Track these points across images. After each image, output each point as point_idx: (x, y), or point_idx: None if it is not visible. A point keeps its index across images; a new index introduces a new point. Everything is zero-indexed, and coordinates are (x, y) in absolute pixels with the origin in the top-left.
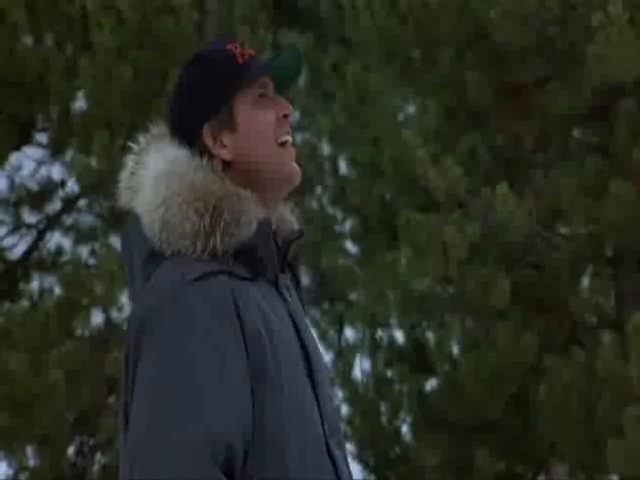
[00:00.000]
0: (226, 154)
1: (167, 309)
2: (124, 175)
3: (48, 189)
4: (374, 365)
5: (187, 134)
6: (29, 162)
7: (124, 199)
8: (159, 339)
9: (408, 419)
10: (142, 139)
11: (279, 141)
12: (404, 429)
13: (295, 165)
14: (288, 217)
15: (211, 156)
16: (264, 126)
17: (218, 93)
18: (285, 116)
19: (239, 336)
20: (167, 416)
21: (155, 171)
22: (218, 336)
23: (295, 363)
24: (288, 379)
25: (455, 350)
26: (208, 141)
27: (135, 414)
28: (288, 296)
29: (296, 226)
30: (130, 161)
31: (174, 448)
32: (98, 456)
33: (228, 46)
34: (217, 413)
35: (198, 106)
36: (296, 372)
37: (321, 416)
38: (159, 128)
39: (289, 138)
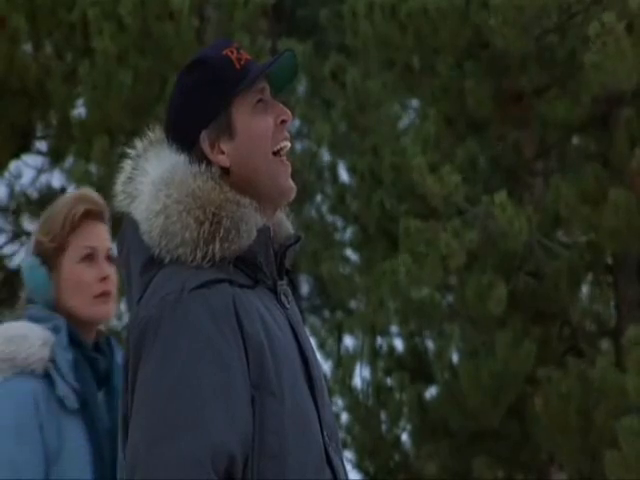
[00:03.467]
0: (224, 160)
1: (168, 317)
2: (121, 179)
3: (48, 197)
4: (374, 373)
5: (184, 140)
6: (29, 170)
7: (121, 204)
8: (160, 347)
9: (408, 427)
10: (140, 144)
11: (274, 149)
12: (404, 437)
13: (289, 181)
14: (284, 222)
15: (209, 162)
16: (262, 132)
17: (216, 99)
18: (283, 122)
19: (240, 345)
20: (168, 424)
21: (154, 177)
22: (220, 345)
23: (295, 371)
24: (289, 388)
25: (455, 358)
26: (206, 147)
27: (135, 421)
28: (287, 303)
29: (292, 231)
30: (127, 165)
31: (175, 457)
32: None
33: (225, 51)
34: (219, 422)
35: (196, 112)
36: (296, 380)
37: (320, 424)
38: (157, 133)
39: (287, 144)
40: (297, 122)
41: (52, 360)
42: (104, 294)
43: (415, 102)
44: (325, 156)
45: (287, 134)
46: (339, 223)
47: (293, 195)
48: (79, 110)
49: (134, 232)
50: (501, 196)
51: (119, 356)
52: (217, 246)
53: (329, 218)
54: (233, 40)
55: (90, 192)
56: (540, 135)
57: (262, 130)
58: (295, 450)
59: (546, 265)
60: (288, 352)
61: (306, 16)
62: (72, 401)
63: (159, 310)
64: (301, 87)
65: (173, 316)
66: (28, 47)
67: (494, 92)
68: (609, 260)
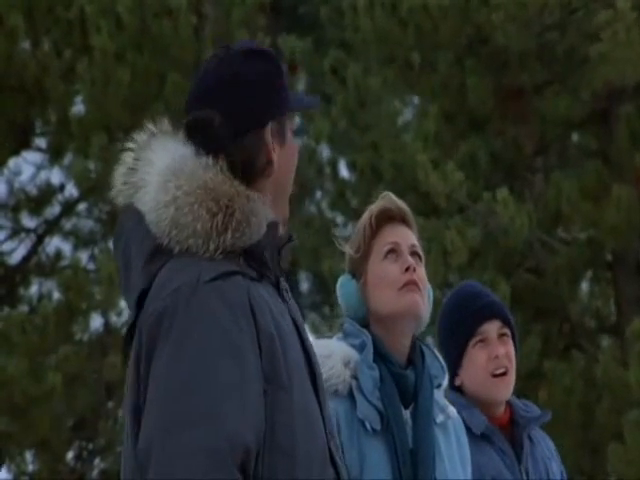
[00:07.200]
0: (275, 158)
1: (183, 308)
2: (121, 170)
3: (47, 193)
4: None
5: (247, 119)
6: (28, 167)
7: (123, 195)
8: (177, 337)
9: None
10: (141, 136)
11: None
12: None
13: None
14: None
15: (216, 155)
16: (295, 153)
17: (283, 99)
18: None
19: (254, 337)
20: (186, 414)
21: (160, 168)
22: (235, 337)
23: (300, 367)
24: (297, 383)
25: None
26: (268, 138)
27: (150, 411)
28: (288, 298)
29: (284, 230)
30: (128, 157)
31: (193, 446)
32: (97, 461)
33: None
34: (237, 415)
35: (270, 100)
36: (302, 376)
37: (323, 420)
38: (161, 126)
39: None
40: (297, 118)
41: (356, 378)
42: (408, 283)
43: (415, 98)
44: (325, 152)
45: None
46: (339, 219)
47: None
48: (78, 107)
49: (136, 222)
50: (503, 193)
51: (434, 367)
52: (229, 237)
53: (329, 214)
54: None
55: (391, 195)
56: (540, 131)
57: (295, 152)
58: (303, 445)
59: (546, 262)
60: (294, 347)
61: (306, 12)
62: (374, 422)
63: (174, 301)
64: (301, 83)
65: (189, 307)
66: (26, 44)
67: (494, 88)
68: (609, 257)
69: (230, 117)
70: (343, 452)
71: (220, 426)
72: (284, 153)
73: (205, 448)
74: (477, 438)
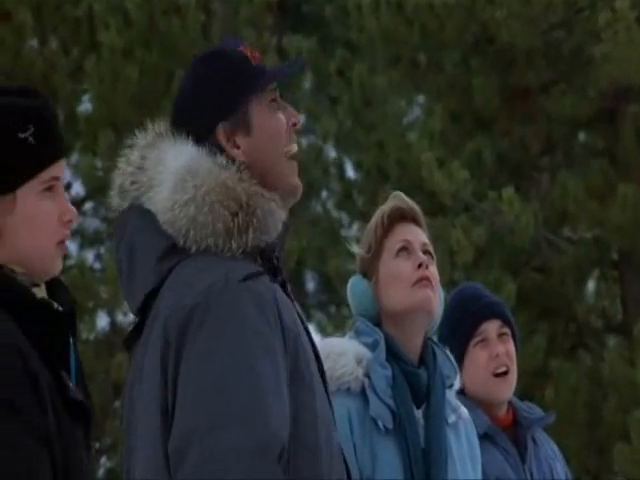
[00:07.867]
0: (240, 155)
1: (216, 306)
2: (128, 169)
3: None
4: None
5: (200, 131)
6: None
7: (130, 195)
8: (211, 335)
9: None
10: (146, 135)
11: (287, 151)
12: None
13: (298, 180)
14: None
15: (227, 155)
16: (278, 131)
17: (235, 92)
18: (294, 125)
19: (281, 337)
20: (226, 414)
21: (176, 167)
22: (267, 335)
23: (314, 365)
24: (315, 382)
25: None
26: (222, 140)
27: (186, 412)
28: (292, 297)
29: None
30: (134, 156)
31: (239, 444)
32: (103, 460)
33: (240, 47)
34: (275, 413)
35: (215, 104)
36: (316, 375)
37: (333, 416)
38: (163, 126)
39: (295, 148)
40: (303, 118)
41: (368, 376)
42: (421, 279)
43: (421, 98)
44: (331, 152)
45: (295, 137)
46: (345, 219)
47: (300, 194)
48: (85, 105)
49: (144, 222)
50: (508, 192)
51: (446, 367)
52: (250, 236)
53: (335, 214)
54: (242, 38)
55: (402, 195)
56: (546, 131)
57: (278, 129)
58: (324, 444)
59: (552, 261)
60: (307, 345)
61: (312, 12)
62: (386, 421)
63: (206, 298)
64: (307, 83)
65: (221, 306)
66: (34, 42)
67: (500, 88)
68: (615, 256)
69: (179, 125)
70: (355, 451)
71: (266, 426)
72: (258, 137)
73: (254, 447)
74: (480, 438)
